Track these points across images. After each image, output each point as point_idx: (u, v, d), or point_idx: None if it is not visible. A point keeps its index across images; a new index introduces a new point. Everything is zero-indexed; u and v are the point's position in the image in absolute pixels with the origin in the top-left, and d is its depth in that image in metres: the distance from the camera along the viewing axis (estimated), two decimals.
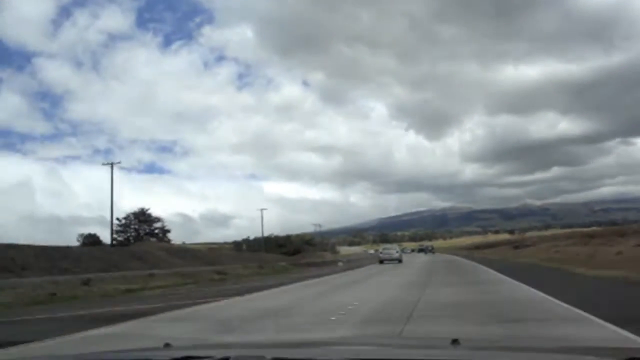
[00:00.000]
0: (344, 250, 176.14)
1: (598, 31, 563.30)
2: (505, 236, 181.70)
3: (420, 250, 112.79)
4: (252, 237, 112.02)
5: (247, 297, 18.39)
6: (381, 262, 50.03)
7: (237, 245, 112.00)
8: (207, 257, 57.17)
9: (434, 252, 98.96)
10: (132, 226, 77.33)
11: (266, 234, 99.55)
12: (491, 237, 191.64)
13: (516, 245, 62.15)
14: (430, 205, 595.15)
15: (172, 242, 76.25)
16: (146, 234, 76.28)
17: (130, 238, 74.65)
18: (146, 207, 77.32)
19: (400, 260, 50.55)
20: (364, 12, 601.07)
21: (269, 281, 28.37)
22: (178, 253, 55.56)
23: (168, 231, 79.12)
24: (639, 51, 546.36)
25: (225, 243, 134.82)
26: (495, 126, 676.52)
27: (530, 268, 28.37)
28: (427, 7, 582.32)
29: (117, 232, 72.42)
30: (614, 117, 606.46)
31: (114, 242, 65.56)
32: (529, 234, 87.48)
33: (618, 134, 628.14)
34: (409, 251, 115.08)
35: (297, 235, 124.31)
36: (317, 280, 27.74)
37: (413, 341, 5.15)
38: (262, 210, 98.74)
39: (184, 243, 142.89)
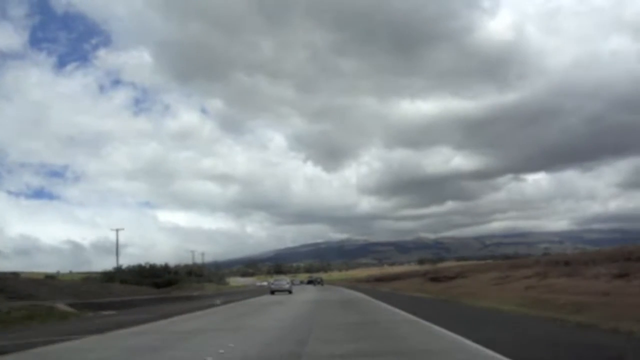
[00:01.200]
0: (235, 281, 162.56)
1: (493, 69, 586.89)
2: (409, 267, 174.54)
3: (310, 282, 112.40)
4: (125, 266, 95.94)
5: None
6: (272, 292, 52.34)
7: (106, 275, 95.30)
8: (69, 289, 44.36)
9: (322, 284, 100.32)
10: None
11: (160, 262, 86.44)
12: (391, 269, 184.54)
13: (434, 277, 50.49)
14: (327, 237, 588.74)
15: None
16: None
17: None
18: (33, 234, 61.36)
19: (290, 292, 52.69)
20: (265, 41, 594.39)
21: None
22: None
23: None
24: (532, 90, 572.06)
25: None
26: (392, 160, 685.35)
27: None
28: (328, 40, 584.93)
29: None
30: (506, 154, 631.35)
31: None
32: (442, 265, 76.00)
33: (510, 171, 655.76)
34: (297, 282, 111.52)
35: (185, 266, 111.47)
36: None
37: None
38: (117, 230, 77.22)
39: (58, 272, 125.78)
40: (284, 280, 60.68)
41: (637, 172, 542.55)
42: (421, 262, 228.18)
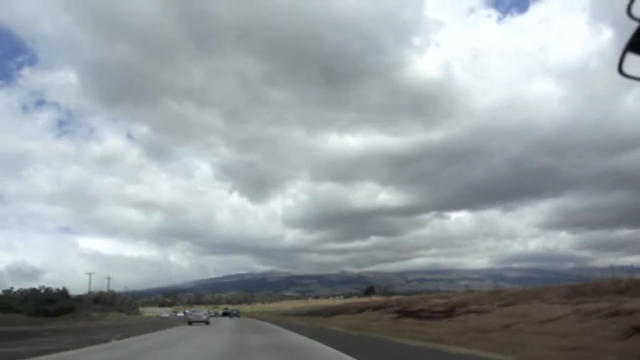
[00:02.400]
0: (151, 311, 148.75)
1: (420, 107, 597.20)
2: (334, 301, 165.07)
3: (225, 314, 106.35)
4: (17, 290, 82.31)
5: None
6: (190, 323, 51.98)
7: None
8: None
9: (239, 317, 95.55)
10: None
11: (77, 292, 74.45)
12: (315, 302, 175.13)
13: (401, 311, 39.62)
14: (250, 269, 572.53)
15: None
16: None
17: None
18: None
19: (207, 323, 52.47)
20: (195, 67, 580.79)
21: None
22: None
23: None
24: (457, 129, 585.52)
25: None
26: (318, 193, 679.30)
27: None
28: (259, 69, 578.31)
29: None
30: (430, 191, 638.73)
31: None
32: (396, 298, 65.87)
33: (433, 208, 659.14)
34: (212, 314, 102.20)
35: (91, 293, 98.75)
36: None
37: None
38: None
39: None
40: (201, 312, 61.56)
41: (556, 213, 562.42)
42: (347, 296, 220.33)
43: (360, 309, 55.15)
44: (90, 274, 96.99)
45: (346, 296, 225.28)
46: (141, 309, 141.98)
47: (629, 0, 2.11)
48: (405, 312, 38.13)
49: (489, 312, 27.46)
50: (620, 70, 2.12)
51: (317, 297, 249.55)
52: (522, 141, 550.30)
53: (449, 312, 31.72)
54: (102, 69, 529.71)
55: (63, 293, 75.64)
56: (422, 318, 32.41)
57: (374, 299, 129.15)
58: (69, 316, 59.77)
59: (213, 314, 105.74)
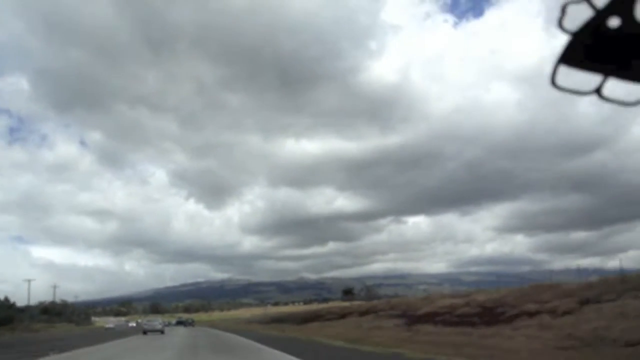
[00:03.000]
0: (105, 321, 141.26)
1: (377, 111, 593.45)
2: (294, 308, 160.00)
3: (179, 322, 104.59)
4: None
5: None
6: (145, 332, 51.96)
7: None
8: None
9: (193, 325, 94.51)
10: None
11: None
12: (275, 309, 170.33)
13: (406, 315, 33.41)
14: (208, 277, 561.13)
15: None
16: None
17: None
18: None
19: (162, 332, 52.55)
20: (149, 72, 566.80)
21: None
22: None
23: None
24: (413, 134, 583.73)
25: None
26: (275, 199, 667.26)
27: None
28: (214, 74, 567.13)
29: None
30: (387, 196, 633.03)
31: None
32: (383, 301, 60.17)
33: (390, 213, 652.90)
34: (167, 323, 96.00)
35: (41, 303, 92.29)
36: None
37: None
38: None
39: None
40: (156, 321, 61.32)
41: (512, 217, 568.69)
42: (307, 302, 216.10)
43: (341, 315, 50.30)
44: (29, 280, 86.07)
45: (306, 302, 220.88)
46: (94, 319, 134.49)
47: (559, 14, 2.09)
48: (412, 318, 32.51)
49: (567, 312, 22.05)
50: (553, 82, 2.11)
51: (276, 303, 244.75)
52: (479, 145, 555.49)
53: (491, 316, 25.96)
54: (54, 74, 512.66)
55: (4, 303, 68.84)
56: (442, 324, 27.42)
57: (354, 303, 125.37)
58: (5, 328, 53.57)
59: (167, 323, 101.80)
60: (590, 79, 2.16)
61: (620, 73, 2.13)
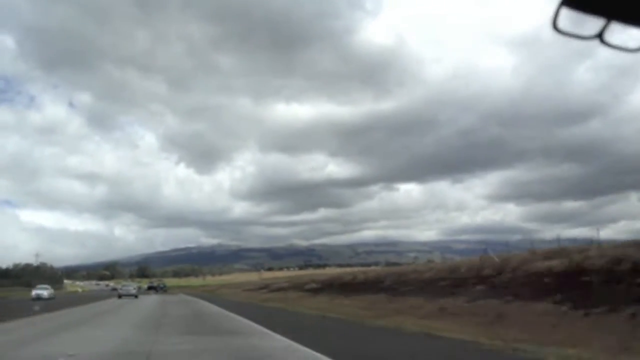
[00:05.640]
0: (77, 285, 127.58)
1: (372, 74, 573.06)
2: (288, 273, 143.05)
3: (150, 287, 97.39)
4: None
5: None
6: (119, 297, 53.99)
7: None
8: None
9: (166, 291, 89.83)
10: None
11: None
12: (272, 275, 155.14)
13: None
14: (198, 242, 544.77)
15: None
16: None
17: None
18: None
19: (136, 296, 55.07)
20: (138, 31, 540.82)
21: None
22: None
23: None
24: (408, 98, 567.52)
25: None
26: (266, 164, 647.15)
27: None
28: (205, 33, 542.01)
29: None
30: (379, 163, 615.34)
31: None
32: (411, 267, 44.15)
33: (382, 179, 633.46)
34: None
35: (25, 266, 78.35)
36: None
37: None
38: None
39: None
40: (131, 286, 63.10)
41: (504, 185, 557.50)
42: (302, 267, 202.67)
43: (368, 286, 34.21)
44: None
45: (301, 268, 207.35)
46: (68, 282, 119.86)
47: None
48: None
49: None
50: (554, 26, 2.03)
51: (270, 269, 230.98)
52: (472, 112, 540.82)
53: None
54: (41, 33, 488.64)
55: None
56: None
57: (332, 270, 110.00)
58: None
59: (146, 288, 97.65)
60: (593, 25, 1.99)
61: (623, 16, 1.96)
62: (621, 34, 2.03)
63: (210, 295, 67.90)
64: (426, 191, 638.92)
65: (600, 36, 1.98)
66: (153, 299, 54.56)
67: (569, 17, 1.98)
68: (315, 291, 45.04)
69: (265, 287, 64.24)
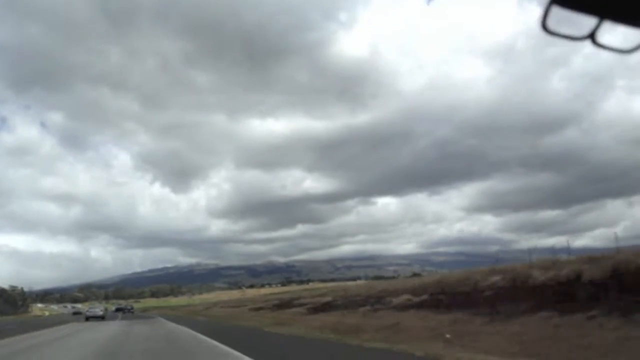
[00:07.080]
0: (44, 308, 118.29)
1: (346, 88, 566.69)
2: (271, 290, 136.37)
3: (118, 309, 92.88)
4: None
5: None
6: (87, 319, 51.04)
7: None
8: None
9: (132, 312, 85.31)
10: None
11: None
12: (256, 292, 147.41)
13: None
14: (176, 262, 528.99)
15: None
16: None
17: None
18: None
19: (103, 317, 52.52)
20: (110, 48, 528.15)
21: None
22: None
23: None
24: (383, 111, 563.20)
25: None
26: (242, 181, 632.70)
27: None
28: (177, 49, 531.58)
29: None
30: (355, 177, 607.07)
31: None
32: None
33: (359, 194, 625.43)
34: (113, 310, 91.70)
35: None
36: None
37: None
38: None
39: None
40: (98, 308, 61.53)
41: (481, 196, 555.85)
42: (285, 284, 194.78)
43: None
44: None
45: (283, 284, 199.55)
46: (36, 306, 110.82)
47: None
48: None
49: None
50: (543, 26, 1.88)
51: (251, 286, 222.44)
52: (448, 123, 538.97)
53: None
54: (11, 53, 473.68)
55: None
56: None
57: (315, 285, 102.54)
58: None
59: (114, 310, 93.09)
60: (584, 25, 1.85)
61: (618, 14, 1.83)
62: (611, 35, 1.85)
63: (216, 321, 40.81)
64: (403, 204, 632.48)
65: (592, 36, 1.84)
66: (112, 327, 36.33)
67: (558, 17, 1.82)
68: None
69: (279, 305, 47.81)
